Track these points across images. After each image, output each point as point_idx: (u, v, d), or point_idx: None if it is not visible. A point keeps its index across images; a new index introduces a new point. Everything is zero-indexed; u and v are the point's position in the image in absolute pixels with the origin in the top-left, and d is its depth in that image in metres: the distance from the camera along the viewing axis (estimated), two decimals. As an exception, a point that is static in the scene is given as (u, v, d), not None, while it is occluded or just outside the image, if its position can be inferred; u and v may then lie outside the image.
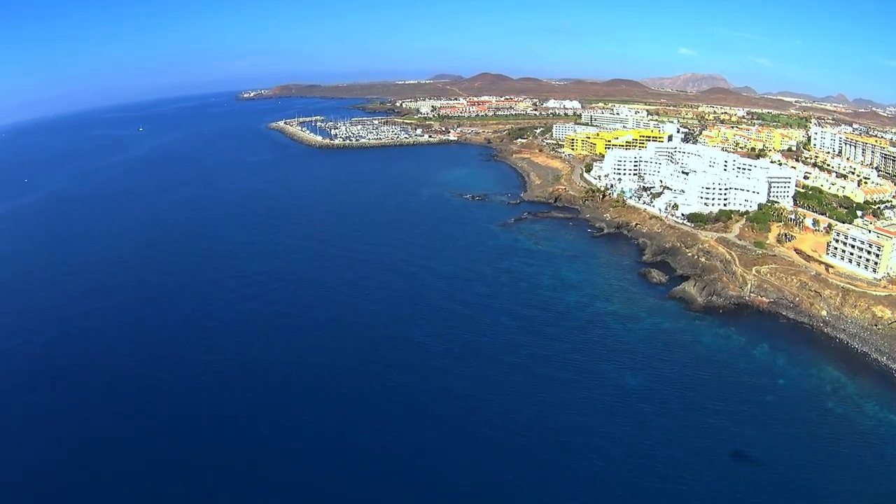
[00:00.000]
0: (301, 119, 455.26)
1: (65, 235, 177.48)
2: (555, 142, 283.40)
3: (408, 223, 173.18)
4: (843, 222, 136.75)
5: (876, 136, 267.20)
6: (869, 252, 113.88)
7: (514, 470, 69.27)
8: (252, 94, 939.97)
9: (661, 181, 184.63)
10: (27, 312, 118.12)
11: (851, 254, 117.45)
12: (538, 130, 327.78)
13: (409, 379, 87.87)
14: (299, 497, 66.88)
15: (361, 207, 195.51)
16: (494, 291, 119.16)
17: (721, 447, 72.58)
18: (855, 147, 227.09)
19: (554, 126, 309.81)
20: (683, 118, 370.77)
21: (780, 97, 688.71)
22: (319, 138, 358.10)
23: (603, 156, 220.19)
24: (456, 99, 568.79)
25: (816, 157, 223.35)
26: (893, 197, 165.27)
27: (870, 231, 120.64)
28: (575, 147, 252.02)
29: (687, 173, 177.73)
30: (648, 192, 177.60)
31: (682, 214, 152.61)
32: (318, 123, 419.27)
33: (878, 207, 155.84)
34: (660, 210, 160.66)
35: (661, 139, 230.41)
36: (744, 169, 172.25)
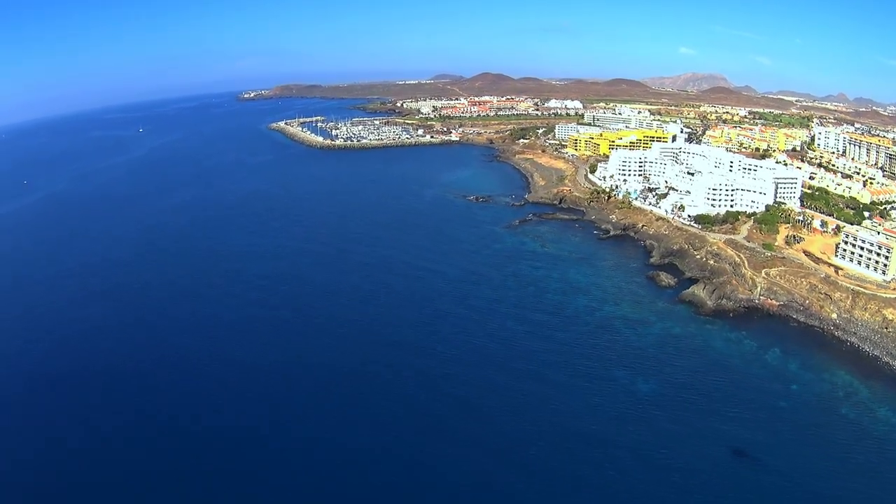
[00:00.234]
0: (302, 119, 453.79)
1: (64, 237, 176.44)
2: (558, 142, 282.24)
3: (411, 225, 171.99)
4: (851, 224, 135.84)
5: (879, 135, 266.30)
6: (878, 254, 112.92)
7: (526, 480, 68.03)
8: (252, 95, 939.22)
9: (666, 182, 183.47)
10: (26, 316, 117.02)
11: (860, 256, 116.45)
12: (540, 131, 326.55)
13: (416, 385, 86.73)
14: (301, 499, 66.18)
15: (364, 209, 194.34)
16: (501, 295, 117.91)
17: (737, 455, 71.53)
18: (859, 147, 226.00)
19: (556, 126, 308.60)
20: (686, 118, 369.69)
21: (781, 96, 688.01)
22: (320, 139, 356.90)
23: (607, 156, 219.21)
24: (457, 99, 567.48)
25: (821, 157, 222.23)
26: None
27: (878, 233, 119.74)
28: (578, 147, 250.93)
29: (692, 174, 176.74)
30: (654, 194, 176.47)
31: (689, 216, 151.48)
32: (319, 124, 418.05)
33: (885, 208, 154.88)
34: (666, 211, 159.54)
35: (665, 139, 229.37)
36: (749, 169, 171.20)
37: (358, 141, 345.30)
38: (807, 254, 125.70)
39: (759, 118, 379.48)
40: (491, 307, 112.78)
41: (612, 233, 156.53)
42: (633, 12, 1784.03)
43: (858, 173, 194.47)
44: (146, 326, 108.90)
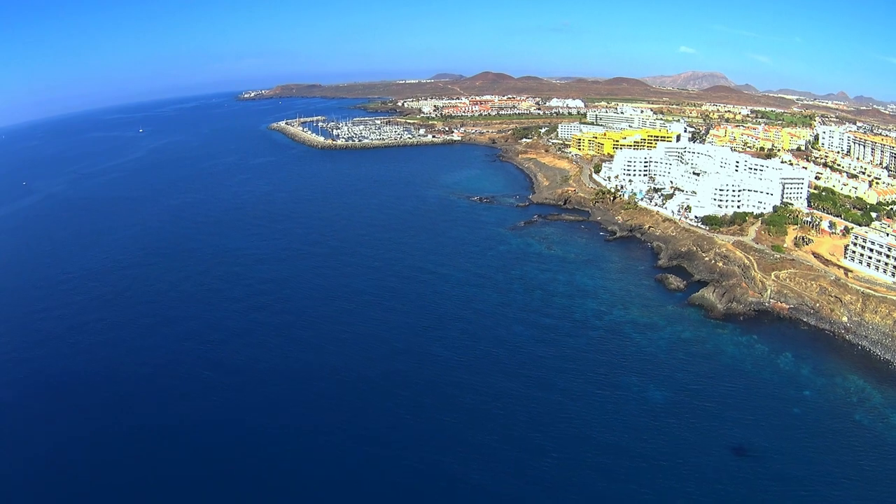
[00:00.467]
0: (302, 119, 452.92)
1: (63, 240, 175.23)
2: (561, 141, 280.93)
3: (415, 227, 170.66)
4: (859, 225, 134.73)
5: (881, 134, 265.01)
6: (888, 256, 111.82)
7: (541, 495, 66.62)
8: (252, 95, 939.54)
9: (671, 182, 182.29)
10: (25, 321, 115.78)
11: (870, 258, 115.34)
12: (543, 130, 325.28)
13: (424, 393, 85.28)
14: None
15: (366, 210, 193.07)
16: (508, 299, 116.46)
17: (753, 464, 70.36)
18: (864, 146, 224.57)
19: (559, 125, 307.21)
20: (688, 117, 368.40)
21: (782, 95, 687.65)
22: (321, 139, 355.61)
23: (611, 156, 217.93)
24: (458, 98, 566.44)
25: (826, 156, 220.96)
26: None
27: (888, 234, 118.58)
28: (582, 147, 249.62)
29: (698, 174, 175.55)
30: (659, 194, 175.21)
31: (696, 217, 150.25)
32: (320, 124, 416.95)
33: (892, 209, 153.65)
34: (672, 212, 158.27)
35: (669, 139, 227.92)
36: (755, 170, 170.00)
37: (359, 141, 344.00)
38: (816, 256, 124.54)
39: (762, 117, 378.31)
40: (498, 311, 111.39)
41: (618, 234, 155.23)
42: (632, 11, 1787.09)
43: (864, 173, 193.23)
44: (148, 333, 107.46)
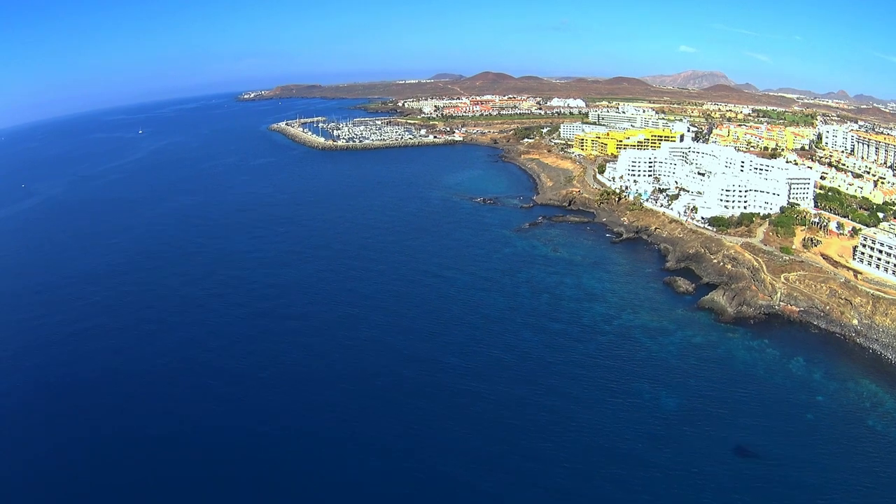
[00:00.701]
0: (302, 120, 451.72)
1: (63, 244, 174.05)
2: (563, 142, 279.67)
3: (419, 229, 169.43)
4: (867, 225, 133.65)
5: (883, 133, 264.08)
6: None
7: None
8: (252, 95, 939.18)
9: (676, 182, 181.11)
10: (24, 326, 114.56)
11: (879, 259, 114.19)
12: (545, 130, 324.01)
13: (433, 401, 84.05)
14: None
15: (369, 212, 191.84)
16: (516, 303, 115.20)
17: (768, 471, 69.29)
18: (868, 146, 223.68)
19: (562, 125, 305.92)
20: (690, 116, 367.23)
21: (782, 94, 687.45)
22: (322, 140, 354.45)
23: (614, 156, 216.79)
24: (458, 98, 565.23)
25: (831, 156, 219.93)
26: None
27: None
28: (585, 147, 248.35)
29: (703, 174, 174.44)
30: (665, 195, 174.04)
31: (703, 218, 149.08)
32: (320, 124, 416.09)
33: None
34: (679, 213, 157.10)
35: (673, 139, 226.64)
36: (761, 170, 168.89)
37: (360, 142, 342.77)
38: (825, 257, 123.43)
39: (763, 116, 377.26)
40: (506, 316, 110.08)
41: (624, 236, 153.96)
42: (631, 9, 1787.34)
43: (868, 172, 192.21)
44: (148, 337, 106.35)
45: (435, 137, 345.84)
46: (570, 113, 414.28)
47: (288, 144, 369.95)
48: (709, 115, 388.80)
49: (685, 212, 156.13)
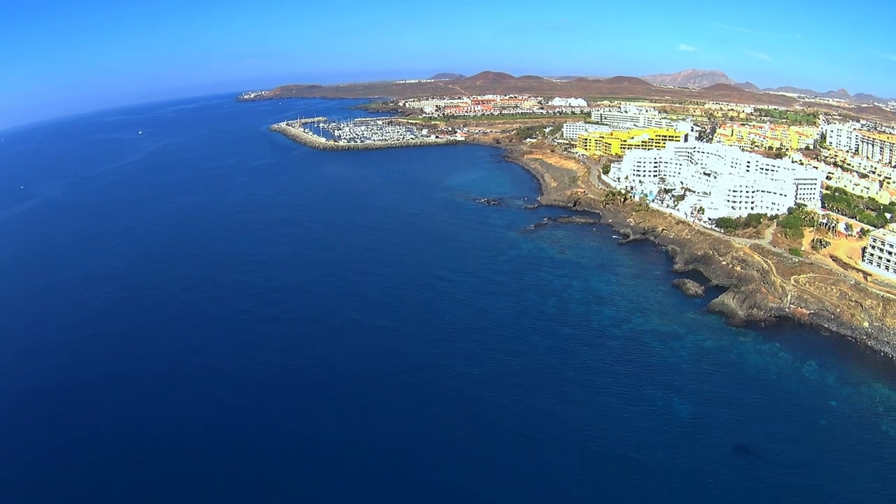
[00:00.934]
0: (303, 120, 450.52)
1: (62, 246, 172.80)
2: (566, 141, 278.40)
3: (423, 230, 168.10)
4: (874, 226, 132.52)
5: (886, 132, 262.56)
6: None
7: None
8: (252, 96, 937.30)
9: (681, 183, 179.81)
10: (23, 330, 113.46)
11: (889, 261, 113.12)
12: (547, 130, 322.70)
13: (439, 408, 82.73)
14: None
15: (372, 213, 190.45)
16: (523, 307, 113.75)
17: (787, 479, 68.10)
18: (872, 145, 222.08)
19: (564, 125, 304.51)
20: (692, 115, 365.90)
21: (783, 93, 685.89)
22: (323, 140, 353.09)
23: (619, 156, 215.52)
24: (459, 98, 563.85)
25: (836, 156, 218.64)
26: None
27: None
28: (588, 147, 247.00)
29: (709, 174, 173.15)
30: (670, 195, 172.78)
31: (710, 219, 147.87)
32: (321, 124, 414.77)
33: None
34: (685, 214, 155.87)
35: (677, 138, 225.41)
36: (767, 170, 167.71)
37: (361, 142, 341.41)
38: (834, 259, 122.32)
39: (765, 115, 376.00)
40: (513, 320, 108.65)
41: (631, 237, 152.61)
42: (631, 9, 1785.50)
43: (874, 172, 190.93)
44: (149, 343, 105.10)
45: (437, 137, 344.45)
46: (572, 112, 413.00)
47: (289, 145, 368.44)
48: (711, 114, 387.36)
49: (692, 213, 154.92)
